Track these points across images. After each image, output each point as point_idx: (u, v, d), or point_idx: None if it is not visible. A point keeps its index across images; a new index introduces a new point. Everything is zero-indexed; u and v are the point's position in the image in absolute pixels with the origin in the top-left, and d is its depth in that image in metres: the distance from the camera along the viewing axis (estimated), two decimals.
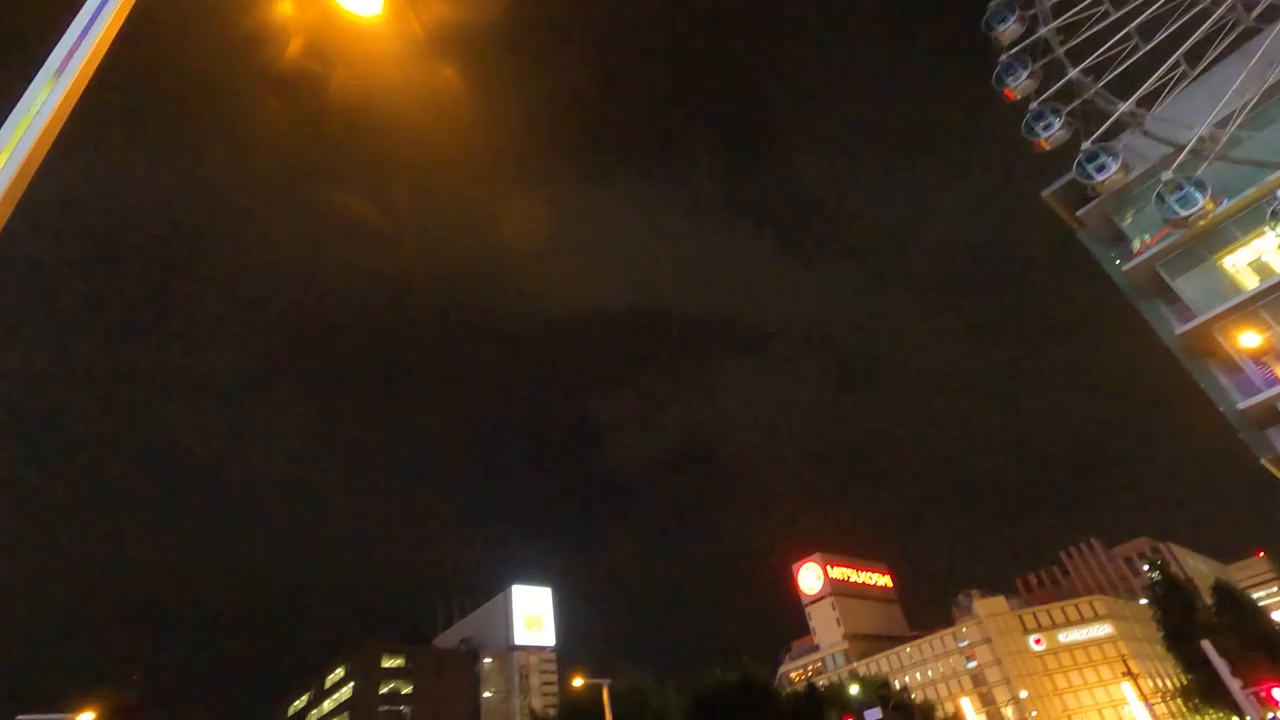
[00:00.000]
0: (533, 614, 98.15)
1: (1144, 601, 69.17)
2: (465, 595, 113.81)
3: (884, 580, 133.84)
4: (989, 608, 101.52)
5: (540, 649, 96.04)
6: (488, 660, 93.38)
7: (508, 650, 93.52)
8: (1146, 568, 49.78)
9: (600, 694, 37.13)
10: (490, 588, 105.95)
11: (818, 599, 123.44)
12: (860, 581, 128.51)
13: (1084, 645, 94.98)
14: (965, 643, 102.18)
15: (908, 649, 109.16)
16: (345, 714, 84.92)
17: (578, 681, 38.39)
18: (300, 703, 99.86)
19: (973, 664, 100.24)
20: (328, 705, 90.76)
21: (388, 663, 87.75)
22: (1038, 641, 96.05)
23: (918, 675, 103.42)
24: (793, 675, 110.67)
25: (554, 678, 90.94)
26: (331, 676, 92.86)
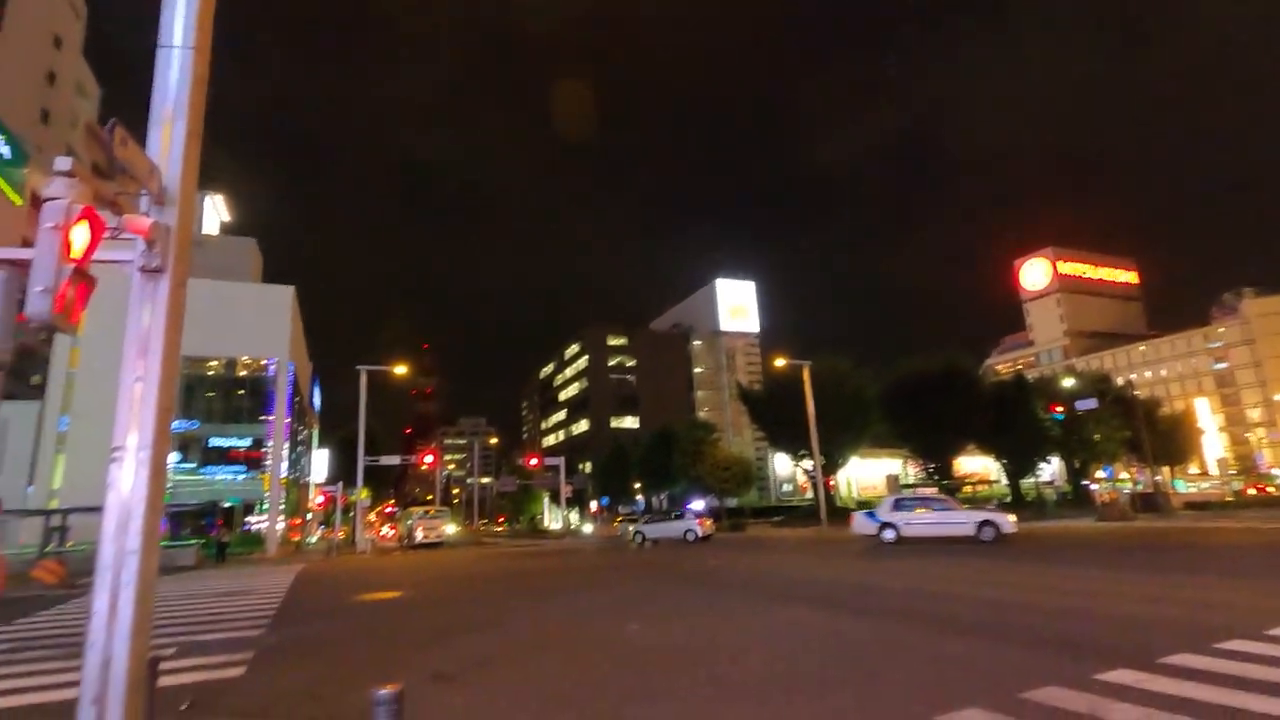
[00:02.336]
0: (737, 304, 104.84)
1: None
2: (677, 288, 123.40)
3: (1127, 276, 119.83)
4: (1262, 307, 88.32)
5: (744, 335, 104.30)
6: (697, 342, 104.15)
7: (715, 335, 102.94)
8: None
9: (801, 373, 40.33)
10: (699, 282, 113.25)
11: (1041, 295, 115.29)
12: (1096, 278, 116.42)
13: None
14: (1219, 343, 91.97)
15: (1141, 347, 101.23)
16: (582, 380, 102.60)
17: (780, 361, 41.61)
18: (548, 369, 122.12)
19: (1221, 365, 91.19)
20: (569, 372, 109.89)
21: (612, 341, 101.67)
22: None
23: (1147, 374, 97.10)
24: (999, 368, 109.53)
25: (758, 360, 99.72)
26: (569, 351, 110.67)
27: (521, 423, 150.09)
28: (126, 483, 4.23)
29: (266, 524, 38.64)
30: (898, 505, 22.69)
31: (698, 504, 63.17)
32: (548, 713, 5.62)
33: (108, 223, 4.02)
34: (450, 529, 69.95)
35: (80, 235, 3.62)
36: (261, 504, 39.85)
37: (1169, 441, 54.03)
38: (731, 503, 52.79)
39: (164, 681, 4.94)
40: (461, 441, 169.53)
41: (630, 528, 36.45)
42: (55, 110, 51.61)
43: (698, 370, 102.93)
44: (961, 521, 21.02)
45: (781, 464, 68.55)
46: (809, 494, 58.58)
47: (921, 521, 21.62)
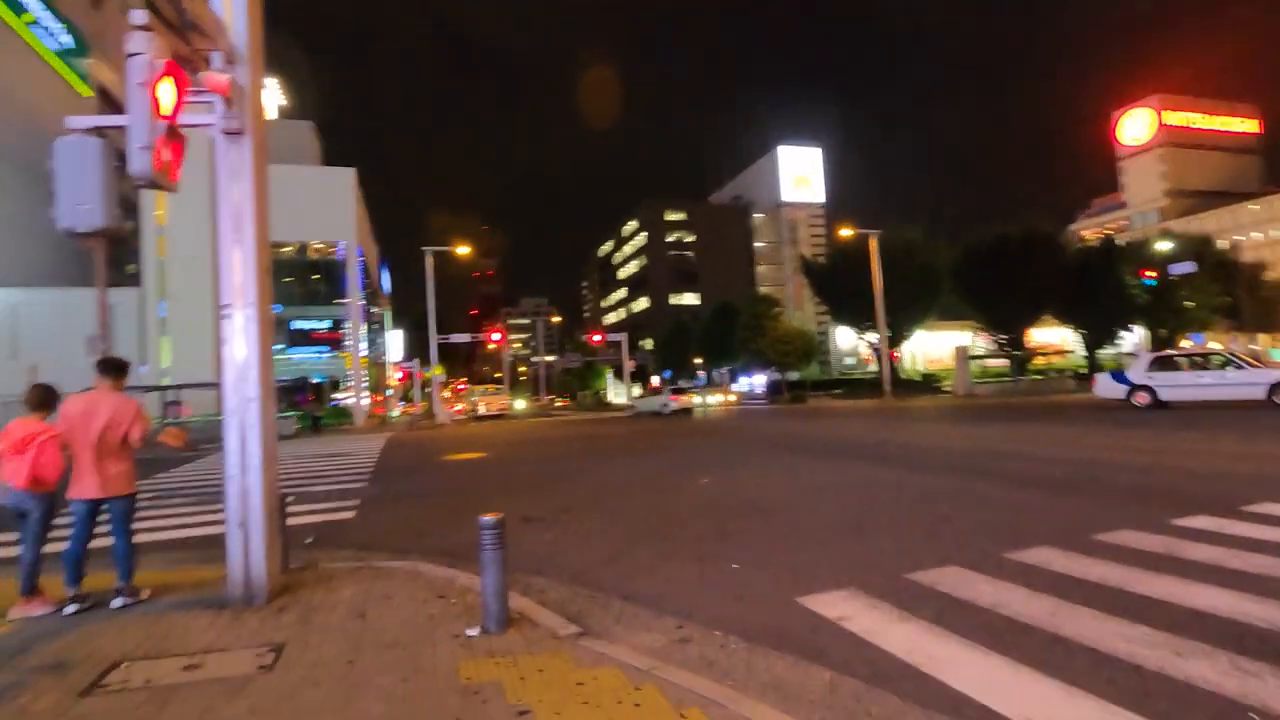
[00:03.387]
0: (800, 173, 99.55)
1: None
2: (736, 159, 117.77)
3: (1246, 126, 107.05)
4: None
5: (808, 205, 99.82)
6: (758, 215, 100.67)
7: (776, 206, 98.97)
8: None
9: (867, 244, 38.78)
10: (761, 152, 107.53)
11: (1140, 150, 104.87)
12: (1208, 128, 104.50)
13: None
14: None
15: (1253, 206, 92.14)
16: (641, 257, 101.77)
17: (845, 232, 40.02)
18: (607, 247, 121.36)
19: None
20: (627, 249, 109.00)
21: (671, 216, 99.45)
22: None
23: (1257, 235, 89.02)
24: (1085, 234, 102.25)
25: (822, 231, 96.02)
26: (628, 228, 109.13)
27: (582, 302, 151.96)
28: (238, 337, 4.56)
29: (352, 399, 41.43)
30: (1160, 364, 18.89)
31: (758, 377, 63.81)
32: (629, 546, 6.09)
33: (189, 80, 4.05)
34: (519, 404, 73.40)
35: (166, 92, 3.68)
36: (345, 381, 42.55)
37: (1271, 308, 50.32)
38: (792, 376, 53.06)
39: (287, 522, 5.55)
40: (525, 321, 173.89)
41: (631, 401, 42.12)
42: None
43: (759, 244, 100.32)
44: (1249, 382, 16.87)
45: (844, 337, 67.68)
46: (872, 367, 58.20)
47: (1193, 383, 17.94)
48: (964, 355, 38.84)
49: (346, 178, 44.02)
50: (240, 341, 4.56)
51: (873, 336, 44.85)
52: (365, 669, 3.40)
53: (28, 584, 4.48)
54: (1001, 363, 41.84)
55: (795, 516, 7.02)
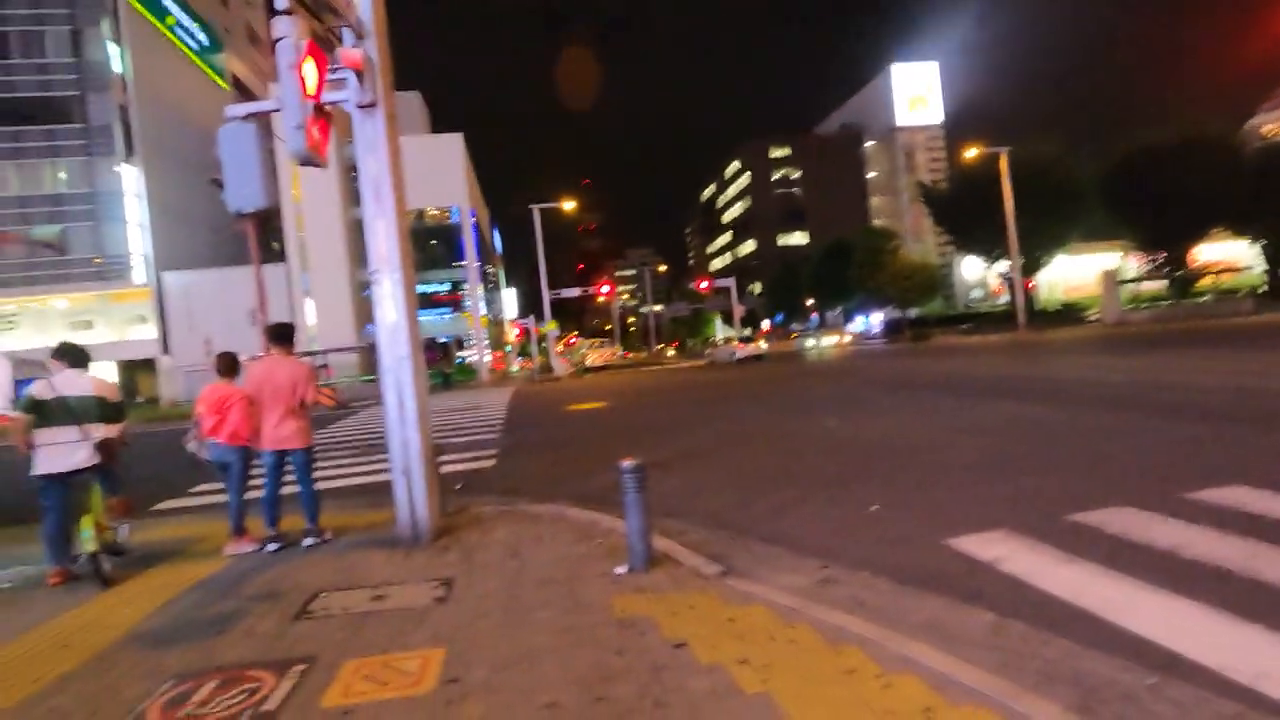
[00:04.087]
0: (916, 93, 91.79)
1: None
2: (844, 84, 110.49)
3: None
4: None
5: (925, 128, 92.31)
6: (870, 143, 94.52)
7: (890, 132, 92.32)
8: None
9: (996, 164, 35.55)
10: (869, 74, 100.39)
11: None
12: None
13: None
14: None
15: None
16: (746, 198, 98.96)
17: (970, 152, 36.80)
18: (709, 191, 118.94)
19: None
20: (731, 192, 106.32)
21: (774, 153, 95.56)
22: None
23: None
24: (1266, 129, 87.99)
25: (942, 155, 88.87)
26: (730, 169, 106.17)
27: (686, 249, 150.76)
28: (387, 301, 4.88)
29: (475, 356, 43.83)
30: None
31: (876, 315, 61.07)
32: (761, 490, 6.10)
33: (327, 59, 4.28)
34: (628, 353, 74.18)
35: (310, 71, 3.90)
36: (467, 340, 44.99)
37: None
38: (913, 313, 50.36)
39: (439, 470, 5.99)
40: (631, 272, 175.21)
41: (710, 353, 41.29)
42: None
43: (871, 175, 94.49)
44: None
45: (970, 268, 62.98)
46: (1004, 298, 54.05)
47: None
48: (1113, 279, 35.23)
49: (455, 144, 45.55)
50: (389, 304, 4.88)
51: (1004, 265, 41.50)
52: (527, 603, 3.65)
53: (236, 524, 5.15)
54: (1158, 286, 37.53)
55: (935, 457, 6.73)
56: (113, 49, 37.30)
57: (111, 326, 38.30)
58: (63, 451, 4.54)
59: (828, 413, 10.83)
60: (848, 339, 54.38)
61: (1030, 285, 40.82)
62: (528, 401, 20.46)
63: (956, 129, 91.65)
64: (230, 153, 4.67)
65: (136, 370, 37.58)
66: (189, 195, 40.76)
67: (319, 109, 4.00)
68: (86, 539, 4.37)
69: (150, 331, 38.14)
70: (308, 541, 5.13)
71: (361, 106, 4.77)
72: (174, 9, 42.68)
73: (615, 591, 3.73)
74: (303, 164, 4.01)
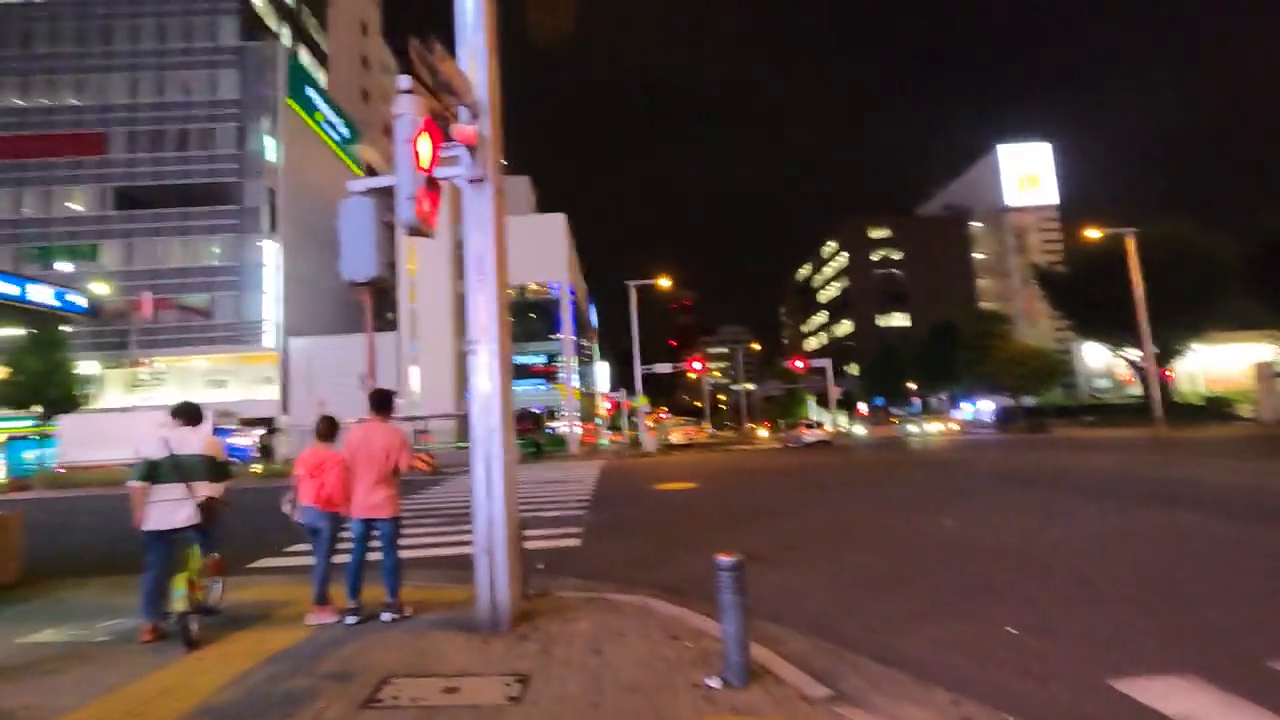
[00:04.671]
0: (1027, 172, 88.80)
1: None
2: (948, 166, 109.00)
3: None
4: None
5: (1038, 208, 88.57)
6: (976, 224, 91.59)
7: (999, 213, 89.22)
8: None
9: (1121, 245, 33.31)
10: (975, 154, 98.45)
11: None
12: None
13: None
14: None
15: None
16: (843, 278, 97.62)
17: (1093, 233, 34.70)
18: (805, 270, 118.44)
19: None
20: (828, 271, 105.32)
21: (874, 233, 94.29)
22: None
23: None
24: None
25: (1056, 236, 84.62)
26: (827, 249, 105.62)
27: (780, 328, 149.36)
28: (481, 371, 4.81)
29: (565, 428, 44.35)
30: None
31: (985, 403, 57.32)
32: (871, 595, 5.45)
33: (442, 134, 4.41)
34: (715, 432, 73.29)
35: (425, 146, 4.00)
36: (559, 411, 45.72)
37: None
38: (1028, 401, 46.86)
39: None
40: (723, 349, 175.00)
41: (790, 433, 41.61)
42: (371, 89, 61.62)
43: (978, 256, 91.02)
44: None
45: (1092, 355, 58.41)
46: (1133, 389, 49.53)
47: None
48: (1269, 372, 31.50)
49: (559, 223, 47.85)
50: (484, 376, 4.81)
51: (1134, 353, 38.23)
52: (608, 713, 3.25)
53: (319, 593, 5.06)
54: None
55: (1078, 571, 5.84)
56: (268, 141, 42.33)
57: (241, 386, 41.69)
58: (168, 509, 4.65)
59: (942, 509, 9.87)
60: (955, 426, 51.16)
61: (1168, 376, 37.21)
62: (617, 477, 20.17)
63: (1074, 209, 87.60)
64: (348, 225, 4.84)
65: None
66: (318, 267, 44.71)
67: (430, 182, 4.08)
68: (178, 598, 4.38)
69: (274, 392, 41.19)
70: (386, 616, 4.96)
71: (471, 181, 4.87)
72: (323, 107, 48.22)
73: (708, 709, 3.27)
74: (411, 233, 4.06)
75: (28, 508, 10.85)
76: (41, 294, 33.52)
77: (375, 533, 5.09)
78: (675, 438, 46.25)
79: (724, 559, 3.76)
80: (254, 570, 7.63)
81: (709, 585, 6.06)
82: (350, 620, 4.91)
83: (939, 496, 11.36)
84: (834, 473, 17.37)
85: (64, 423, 28.93)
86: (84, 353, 36.92)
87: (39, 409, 30.95)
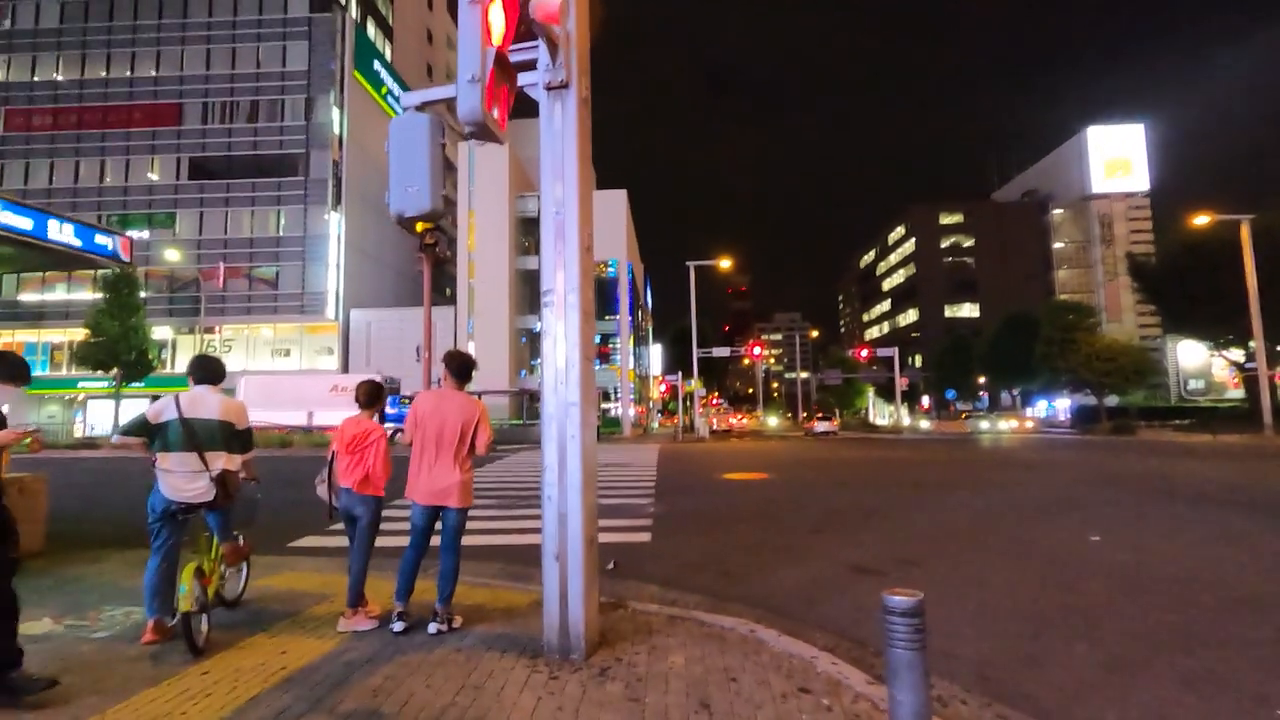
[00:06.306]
0: (1116, 157, 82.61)
1: None
2: (1027, 151, 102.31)
3: None
4: None
5: (1128, 195, 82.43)
6: (1057, 211, 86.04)
7: (1083, 200, 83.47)
8: None
9: (1230, 234, 30.22)
10: (1058, 138, 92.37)
11: None
12: None
13: None
14: None
15: None
16: (909, 265, 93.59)
17: (1201, 219, 31.52)
18: (868, 257, 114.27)
19: None
20: (893, 259, 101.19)
21: (945, 219, 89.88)
22: None
23: None
24: None
25: (1147, 225, 78.71)
26: (893, 235, 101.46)
27: (839, 316, 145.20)
28: (559, 330, 3.79)
29: (619, 409, 43.54)
30: None
31: (1062, 401, 53.93)
32: (1045, 637, 4.24)
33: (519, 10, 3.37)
34: (771, 420, 71.91)
35: (497, 18, 2.97)
36: (615, 392, 44.92)
37: None
38: (1110, 401, 43.57)
39: None
40: (777, 337, 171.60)
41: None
42: (435, 64, 61.48)
43: (1058, 245, 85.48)
44: None
45: (1187, 354, 54.09)
46: (1235, 392, 45.63)
47: None
48: None
49: (619, 200, 46.72)
50: (560, 335, 3.79)
51: (1237, 353, 34.99)
52: None
53: (355, 594, 4.18)
54: None
55: None
56: (335, 113, 42.47)
57: (304, 355, 42.33)
58: (176, 482, 3.82)
59: (1071, 519, 8.47)
60: (1029, 424, 48.30)
61: (1278, 378, 33.87)
62: (676, 462, 19.15)
63: (1168, 196, 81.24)
64: (399, 145, 3.89)
65: None
66: (380, 240, 44.91)
67: (502, 63, 3.05)
68: (182, 595, 3.55)
69: (334, 362, 41.67)
70: (433, 628, 4.03)
71: (550, 89, 3.82)
72: (388, 81, 48.23)
73: None
74: (471, 135, 3.05)
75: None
76: (63, 232, 34.41)
77: (439, 525, 4.16)
78: (717, 423, 45.57)
79: (897, 598, 2.66)
80: (293, 550, 6.90)
81: (821, 606, 4.99)
82: (396, 627, 4.01)
83: (1053, 504, 9.91)
84: (919, 470, 15.92)
85: (249, 383, 30.83)
86: (157, 319, 37.93)
87: (116, 371, 31.86)
